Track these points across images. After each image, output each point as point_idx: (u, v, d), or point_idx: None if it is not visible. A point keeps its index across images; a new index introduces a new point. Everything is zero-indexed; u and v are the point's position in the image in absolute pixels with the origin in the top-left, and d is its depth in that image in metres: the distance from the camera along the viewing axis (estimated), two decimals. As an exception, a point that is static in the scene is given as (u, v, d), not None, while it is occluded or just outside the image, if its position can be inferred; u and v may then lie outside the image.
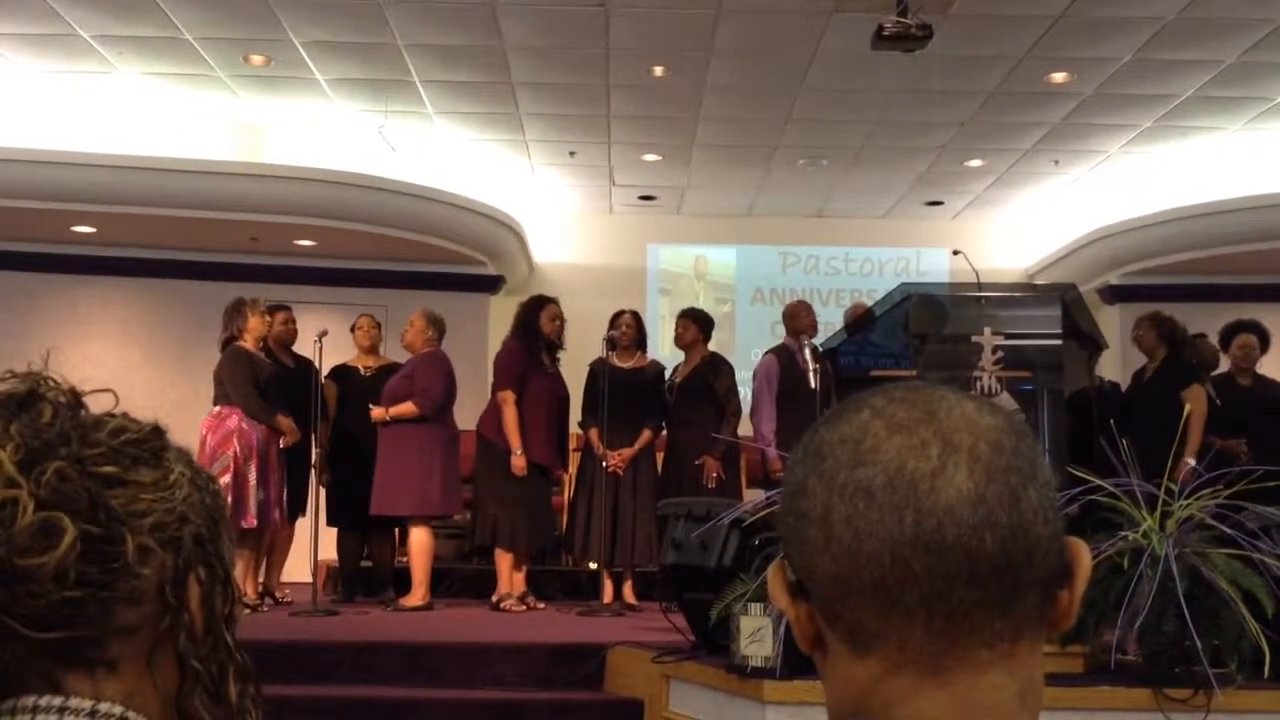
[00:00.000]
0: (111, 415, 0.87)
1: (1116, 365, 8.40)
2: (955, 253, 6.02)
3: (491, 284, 9.72)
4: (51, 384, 0.86)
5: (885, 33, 5.96)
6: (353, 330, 7.27)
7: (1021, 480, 0.71)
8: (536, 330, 6.69)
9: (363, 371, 7.13)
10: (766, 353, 7.11)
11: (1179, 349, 6.60)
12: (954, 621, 0.70)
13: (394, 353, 7.37)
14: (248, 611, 6.10)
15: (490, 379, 6.98)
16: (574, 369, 6.96)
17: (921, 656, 0.71)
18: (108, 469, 0.83)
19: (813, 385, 6.11)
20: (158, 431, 0.88)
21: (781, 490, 0.78)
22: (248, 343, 6.47)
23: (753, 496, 5.81)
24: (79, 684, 0.82)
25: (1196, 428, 6.01)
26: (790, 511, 0.75)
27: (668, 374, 6.95)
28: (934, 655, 0.71)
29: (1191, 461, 5.35)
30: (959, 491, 0.70)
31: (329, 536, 6.92)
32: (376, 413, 6.54)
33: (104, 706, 0.82)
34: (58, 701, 0.81)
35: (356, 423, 6.81)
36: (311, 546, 6.43)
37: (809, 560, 0.73)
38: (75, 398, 0.87)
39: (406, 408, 6.49)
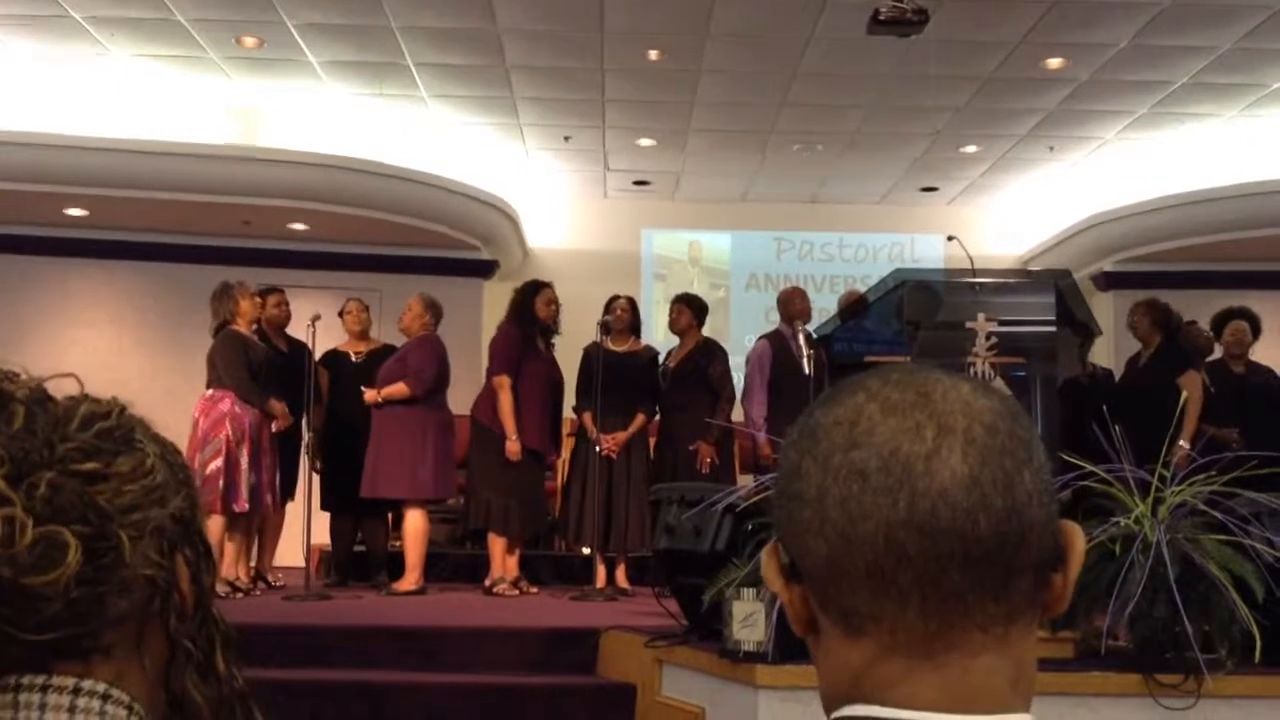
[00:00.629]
0: (75, 399, 0.86)
1: (1110, 352, 8.40)
2: (950, 239, 6.01)
3: (486, 269, 9.70)
4: (12, 379, 0.84)
5: (881, 17, 5.95)
6: (341, 315, 7.24)
7: (1016, 463, 0.71)
8: (532, 315, 6.69)
9: (353, 357, 7.10)
10: (760, 338, 7.11)
11: (1174, 335, 6.61)
12: (947, 604, 0.70)
13: (388, 335, 7.34)
14: (240, 595, 6.10)
15: (485, 364, 6.97)
16: (568, 354, 6.95)
17: (914, 639, 0.71)
18: (89, 466, 0.81)
19: (806, 371, 6.12)
20: (123, 410, 0.87)
21: (776, 472, 0.77)
22: (241, 326, 6.45)
23: (746, 482, 5.81)
24: (69, 668, 0.82)
25: (1193, 413, 6.02)
26: (784, 494, 0.75)
27: (661, 359, 6.95)
28: (927, 638, 0.70)
29: (1186, 446, 5.36)
30: (953, 474, 0.70)
31: (322, 521, 6.92)
32: (369, 395, 6.54)
33: (87, 684, 0.81)
34: (40, 680, 0.81)
35: (348, 408, 6.80)
36: (304, 531, 6.42)
37: (803, 542, 0.73)
38: (41, 392, 0.84)
39: (398, 389, 6.49)
